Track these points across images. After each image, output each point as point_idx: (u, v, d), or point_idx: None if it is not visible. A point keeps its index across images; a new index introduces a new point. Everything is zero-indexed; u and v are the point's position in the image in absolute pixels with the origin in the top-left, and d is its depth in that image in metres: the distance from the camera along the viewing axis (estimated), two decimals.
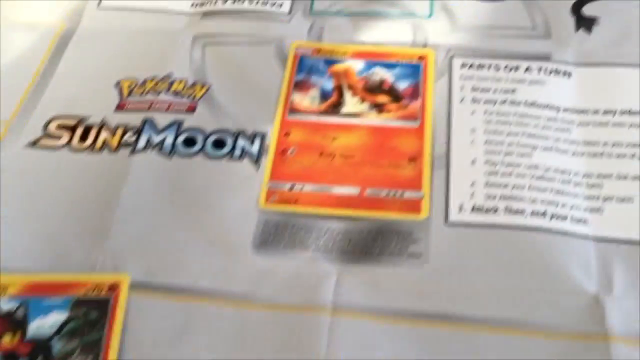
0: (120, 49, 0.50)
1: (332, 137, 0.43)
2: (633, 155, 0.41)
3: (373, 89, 0.46)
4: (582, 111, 0.44)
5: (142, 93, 0.47)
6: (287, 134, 0.44)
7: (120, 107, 0.46)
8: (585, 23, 0.48)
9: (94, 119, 0.45)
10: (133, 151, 0.43)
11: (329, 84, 0.46)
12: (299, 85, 0.46)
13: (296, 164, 0.42)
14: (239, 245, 0.39)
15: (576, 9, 0.49)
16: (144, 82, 0.47)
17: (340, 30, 0.50)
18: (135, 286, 0.37)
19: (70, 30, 0.52)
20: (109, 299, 0.36)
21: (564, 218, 0.38)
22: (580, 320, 0.34)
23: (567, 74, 0.45)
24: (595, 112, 0.43)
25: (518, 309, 0.35)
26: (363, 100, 0.45)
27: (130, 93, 0.47)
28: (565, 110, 0.44)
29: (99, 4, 0.54)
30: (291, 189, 0.41)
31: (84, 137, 0.44)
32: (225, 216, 0.40)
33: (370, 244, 0.38)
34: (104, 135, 0.44)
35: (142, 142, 0.44)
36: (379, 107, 0.45)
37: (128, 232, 0.39)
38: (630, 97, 0.44)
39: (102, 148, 0.44)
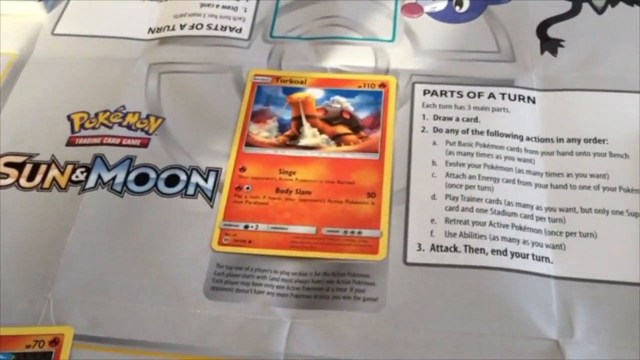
0: (73, 79, 0.49)
1: (289, 171, 0.42)
2: (597, 187, 0.40)
3: (332, 119, 0.45)
4: (546, 140, 0.42)
5: (94, 127, 0.45)
6: (242, 169, 0.42)
7: (70, 142, 0.44)
8: (550, 45, 0.47)
9: (43, 156, 0.44)
10: (83, 189, 0.42)
11: (288, 115, 0.45)
12: (257, 116, 0.45)
13: (251, 201, 0.41)
14: (189, 290, 0.37)
15: (541, 31, 0.48)
16: (97, 115, 0.46)
17: (301, 56, 0.48)
18: (79, 338, 0.35)
19: (23, 59, 0.50)
20: (51, 352, 0.34)
21: (525, 256, 0.37)
22: None
23: (531, 100, 0.44)
24: (560, 140, 0.42)
25: (476, 356, 0.34)
26: (322, 131, 0.44)
27: (81, 127, 0.45)
28: (529, 139, 0.42)
29: (53, 30, 0.52)
30: (245, 228, 0.40)
31: (32, 175, 0.43)
32: (177, 259, 0.38)
33: (325, 287, 0.37)
34: (52, 172, 0.43)
35: (92, 180, 0.42)
36: (338, 139, 0.43)
37: (74, 280, 0.38)
38: (595, 123, 0.43)
39: (50, 186, 0.42)
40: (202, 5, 0.52)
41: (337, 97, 0.46)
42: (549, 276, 0.37)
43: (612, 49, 0.47)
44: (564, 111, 0.44)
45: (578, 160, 0.41)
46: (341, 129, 0.44)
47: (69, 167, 0.43)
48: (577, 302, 0.36)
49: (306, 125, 0.44)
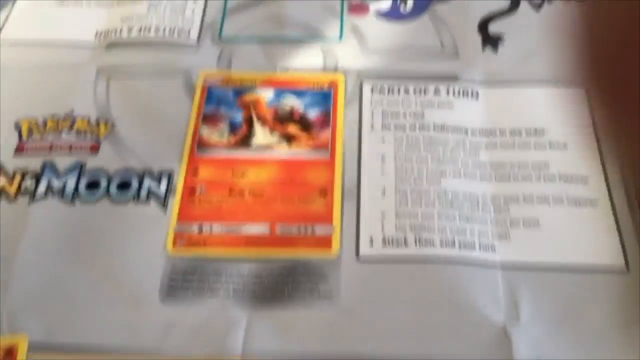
0: (20, 86, 0.48)
1: (241, 172, 0.43)
2: (538, 177, 0.42)
3: (283, 118, 0.45)
4: (489, 132, 0.44)
5: (42, 134, 0.45)
6: (195, 172, 0.43)
7: (19, 150, 0.44)
8: (491, 42, 0.49)
9: None
10: (33, 199, 0.41)
11: (239, 116, 0.45)
12: (208, 118, 0.45)
13: (205, 203, 0.41)
14: (145, 295, 0.37)
15: (482, 28, 0.49)
16: (45, 122, 0.45)
17: (251, 57, 0.49)
18: (34, 347, 0.35)
19: None
20: None
21: (473, 246, 0.39)
22: (488, 353, 0.35)
23: (475, 95, 0.46)
24: (502, 132, 0.44)
25: (428, 345, 0.35)
26: (273, 131, 0.44)
27: (29, 134, 0.45)
28: (473, 132, 0.44)
29: None
30: (200, 231, 0.40)
31: None
32: (132, 265, 0.39)
33: (281, 286, 0.38)
34: (1, 182, 0.42)
35: (42, 188, 0.42)
36: (289, 138, 0.44)
37: (27, 289, 0.37)
38: (535, 116, 0.45)
39: None
40: (150, 8, 0.52)
41: (287, 98, 0.46)
42: (495, 265, 0.38)
43: (550, 43, 0.48)
44: (506, 104, 0.45)
45: (520, 152, 0.43)
46: (292, 129, 0.45)
47: (18, 176, 0.42)
48: (523, 289, 0.37)
49: (257, 125, 0.45)
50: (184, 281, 0.38)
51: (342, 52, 0.49)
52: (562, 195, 0.41)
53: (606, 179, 0.41)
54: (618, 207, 0.40)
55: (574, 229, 0.40)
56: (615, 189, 0.41)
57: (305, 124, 0.45)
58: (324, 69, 0.48)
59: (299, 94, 0.46)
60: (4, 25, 0.52)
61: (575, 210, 0.40)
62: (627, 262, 0.38)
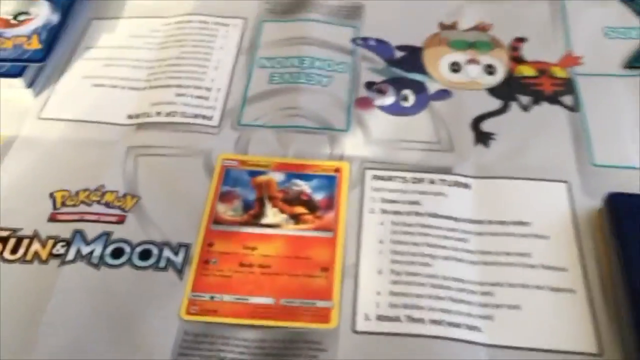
0: (57, 160, 0.53)
1: (252, 247, 0.47)
2: (521, 264, 0.46)
3: (292, 200, 0.50)
4: (478, 222, 0.48)
5: (74, 204, 0.50)
6: (210, 244, 0.47)
7: (52, 218, 0.49)
8: (482, 138, 0.54)
9: (27, 230, 0.48)
10: (62, 262, 0.46)
11: (252, 195, 0.50)
12: (224, 196, 0.50)
13: (217, 274, 0.45)
14: (159, 357, 0.41)
15: (475, 125, 0.55)
16: (77, 193, 0.50)
17: (265, 142, 0.54)
18: None
19: (10, 141, 0.55)
20: None
21: (458, 326, 0.42)
22: None
23: (466, 186, 0.51)
24: (490, 222, 0.48)
25: None
26: (282, 211, 0.49)
27: (63, 204, 0.50)
28: (464, 220, 0.48)
29: (39, 114, 0.57)
30: (211, 299, 0.44)
31: (15, 248, 0.47)
32: (148, 327, 0.42)
33: (282, 354, 0.41)
34: (35, 246, 0.47)
35: (71, 254, 0.46)
36: (296, 218, 0.49)
37: (52, 347, 0.41)
38: (520, 208, 0.49)
39: (32, 259, 0.46)
40: (177, 94, 0.58)
41: (297, 181, 0.51)
42: (478, 344, 0.42)
43: (536, 142, 0.54)
44: (495, 196, 0.50)
45: (505, 241, 0.47)
46: (299, 209, 0.49)
47: (50, 242, 0.47)
48: None
49: (268, 205, 0.50)
50: (195, 345, 0.42)
51: (348, 141, 0.54)
52: (542, 284, 0.45)
53: (584, 270, 0.45)
54: (594, 296, 0.44)
55: (553, 315, 0.43)
56: (592, 280, 0.45)
57: (311, 206, 0.50)
58: (331, 156, 0.53)
59: (307, 177, 0.51)
60: (45, 104, 0.58)
61: (554, 298, 0.44)
62: (601, 350, 0.42)
